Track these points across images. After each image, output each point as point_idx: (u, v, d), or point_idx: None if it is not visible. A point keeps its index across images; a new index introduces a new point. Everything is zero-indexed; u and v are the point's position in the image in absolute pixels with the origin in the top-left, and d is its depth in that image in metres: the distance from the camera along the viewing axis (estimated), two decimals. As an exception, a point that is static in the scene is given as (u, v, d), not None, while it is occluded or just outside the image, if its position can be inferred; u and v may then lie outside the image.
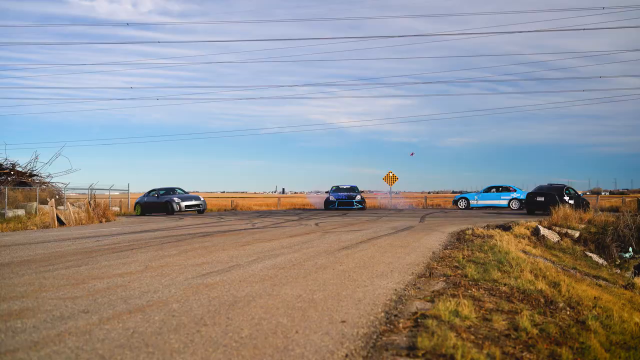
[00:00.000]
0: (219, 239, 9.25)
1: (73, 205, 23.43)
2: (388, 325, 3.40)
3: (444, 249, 8.44)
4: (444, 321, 3.52)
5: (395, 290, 4.59)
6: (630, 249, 15.86)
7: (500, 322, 3.72)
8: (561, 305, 4.90)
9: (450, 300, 4.07)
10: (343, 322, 3.35)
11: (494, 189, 27.58)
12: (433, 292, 4.67)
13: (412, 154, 43.47)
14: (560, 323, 4.18)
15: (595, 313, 5.18)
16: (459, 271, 6.03)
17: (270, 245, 8.13)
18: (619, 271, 14.57)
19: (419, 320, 3.54)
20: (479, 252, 8.28)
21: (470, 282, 5.28)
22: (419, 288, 4.84)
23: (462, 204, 27.86)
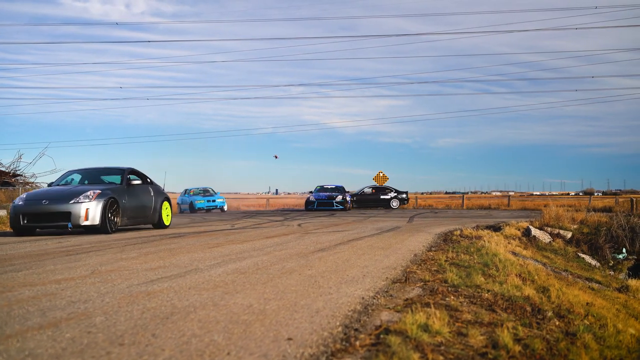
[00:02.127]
0: (189, 240, 8.70)
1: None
2: (343, 343, 2.88)
3: (428, 251, 7.93)
4: (410, 337, 3.00)
5: (363, 298, 4.07)
6: (624, 250, 15.43)
7: (477, 338, 3.20)
8: (549, 314, 4.40)
9: (422, 311, 3.55)
10: (289, 339, 2.83)
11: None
12: (406, 300, 4.16)
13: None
14: (547, 336, 3.67)
15: (588, 323, 4.68)
16: (440, 275, 5.52)
17: (241, 247, 7.59)
18: (612, 273, 14.13)
19: (381, 336, 3.02)
20: (464, 254, 7.78)
21: (449, 289, 4.76)
22: (390, 296, 4.32)
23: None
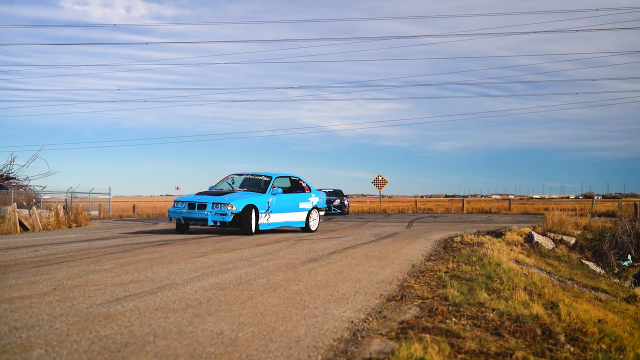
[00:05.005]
0: (174, 248, 8.22)
1: (51, 209, 22.37)
2: (323, 385, 2.39)
3: (427, 260, 7.45)
4: (404, 378, 2.52)
5: (352, 322, 3.58)
6: (629, 257, 14.93)
7: (483, 375, 2.72)
8: (562, 338, 3.91)
9: (419, 340, 3.07)
10: (258, 382, 2.35)
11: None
12: (401, 323, 3.67)
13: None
14: (563, 368, 3.20)
15: (604, 346, 4.20)
16: (440, 291, 5.03)
17: (228, 256, 7.10)
18: (617, 280, 13.63)
19: (369, 375, 2.54)
20: (465, 264, 7.29)
21: (450, 308, 4.28)
22: (384, 317, 3.84)
23: None
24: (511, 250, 11.82)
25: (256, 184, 12.42)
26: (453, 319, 3.92)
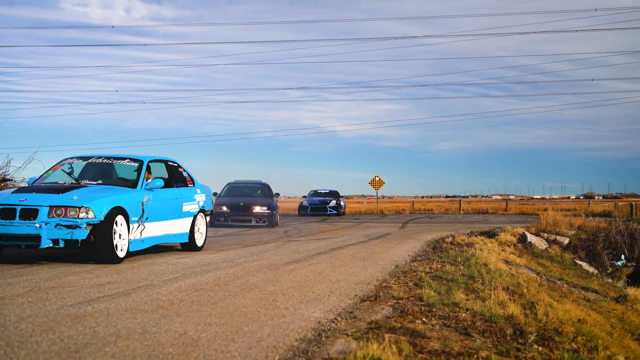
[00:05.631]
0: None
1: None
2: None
3: (412, 261, 7.46)
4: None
5: (319, 322, 3.60)
6: (623, 257, 14.93)
7: (440, 374, 2.74)
8: (532, 338, 3.92)
9: (380, 340, 3.08)
10: (208, 382, 2.36)
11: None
12: (370, 323, 3.68)
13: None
14: (526, 368, 3.21)
15: (576, 346, 4.21)
16: (418, 291, 5.04)
17: (211, 257, 7.12)
18: (610, 280, 13.62)
19: (323, 375, 2.55)
20: (450, 264, 7.31)
21: (422, 308, 4.29)
22: (354, 318, 3.85)
23: None
24: (502, 250, 11.82)
25: (110, 173, 7.69)
26: (423, 319, 3.93)
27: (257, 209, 15.24)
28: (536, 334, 4.14)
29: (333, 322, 3.65)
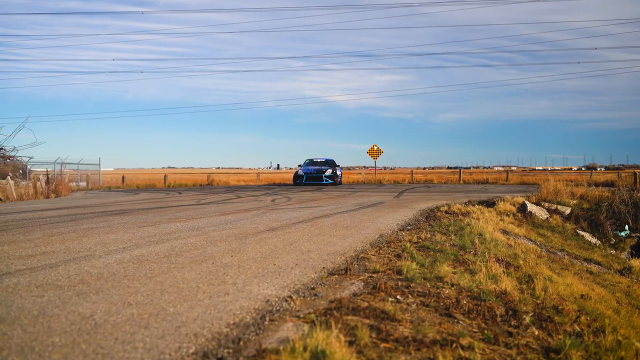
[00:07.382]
0: (131, 217, 7.60)
1: (28, 179, 21.91)
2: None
3: (400, 230, 6.81)
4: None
5: (268, 301, 2.95)
6: (627, 227, 14.29)
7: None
8: (527, 319, 3.28)
9: (332, 325, 2.44)
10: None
11: None
12: (332, 302, 3.04)
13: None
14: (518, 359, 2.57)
15: (579, 328, 3.57)
16: (399, 263, 4.39)
17: (178, 226, 6.48)
18: (613, 252, 13.01)
19: (244, 376, 1.91)
20: (441, 234, 6.67)
21: (399, 283, 3.64)
22: (315, 295, 3.20)
23: None
24: (501, 220, 11.20)
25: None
26: (398, 296, 3.29)
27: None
28: (532, 314, 3.50)
29: (286, 300, 3.00)
